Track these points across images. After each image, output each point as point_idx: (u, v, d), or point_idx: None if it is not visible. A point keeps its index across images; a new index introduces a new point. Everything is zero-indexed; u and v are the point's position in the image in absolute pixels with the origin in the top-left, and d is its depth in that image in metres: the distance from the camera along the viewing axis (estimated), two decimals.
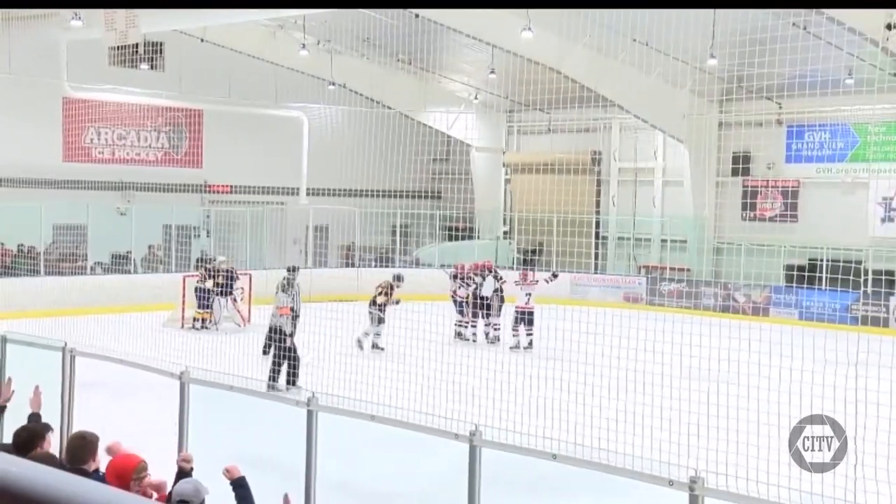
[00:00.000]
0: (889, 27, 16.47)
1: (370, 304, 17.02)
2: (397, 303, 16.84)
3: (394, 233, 27.58)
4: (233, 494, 5.42)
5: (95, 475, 5.00)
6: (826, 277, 22.25)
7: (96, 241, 22.87)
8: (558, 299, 21.95)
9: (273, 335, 14.18)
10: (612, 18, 21.06)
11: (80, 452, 5.09)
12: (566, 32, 21.61)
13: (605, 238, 28.12)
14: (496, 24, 21.76)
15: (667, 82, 24.31)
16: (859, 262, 20.52)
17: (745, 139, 25.00)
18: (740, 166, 24.73)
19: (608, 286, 25.30)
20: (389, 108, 27.40)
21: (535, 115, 29.67)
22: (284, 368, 13.21)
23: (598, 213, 28.32)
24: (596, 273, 26.05)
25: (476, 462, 5.39)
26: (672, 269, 25.80)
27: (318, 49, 25.85)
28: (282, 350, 13.41)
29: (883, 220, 23.56)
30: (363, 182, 25.50)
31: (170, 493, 5.10)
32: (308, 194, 27.35)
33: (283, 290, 14.38)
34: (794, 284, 22.85)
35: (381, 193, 27.15)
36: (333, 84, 26.69)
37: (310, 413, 6.23)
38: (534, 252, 27.32)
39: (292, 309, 14.03)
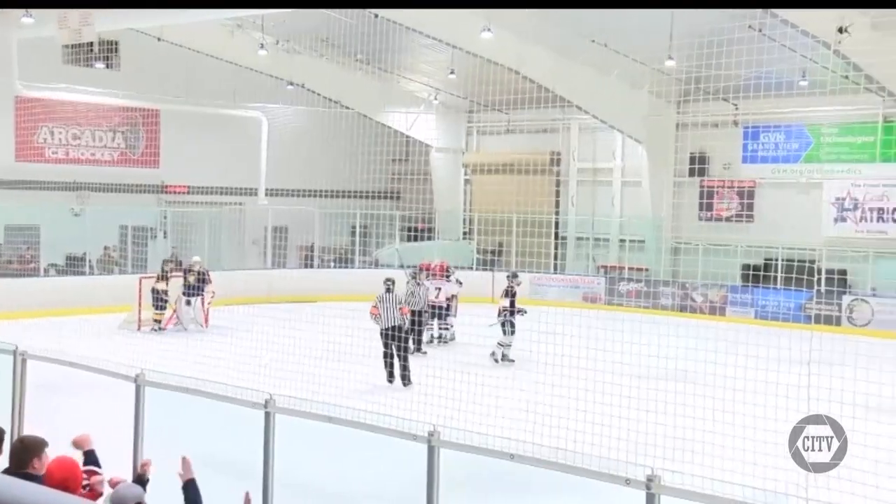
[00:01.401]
0: (840, 30, 16.76)
1: (499, 313, 16.45)
2: (522, 312, 16.14)
3: (353, 233, 27.48)
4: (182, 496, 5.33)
5: (40, 479, 4.94)
6: (781, 277, 22.58)
7: (50, 243, 22.50)
8: (517, 300, 22.02)
9: (396, 334, 14.35)
10: (572, 19, 21.16)
11: (22, 456, 5.05)
12: (526, 33, 21.68)
13: (564, 238, 28.27)
14: (456, 25, 21.77)
15: (625, 83, 24.52)
16: (813, 262, 20.86)
17: (702, 140, 25.29)
18: (697, 167, 25.00)
19: (567, 286, 25.42)
20: (348, 108, 27.31)
21: (495, 116, 29.77)
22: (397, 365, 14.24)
23: (557, 213, 28.46)
24: (555, 273, 26.17)
25: (434, 462, 5.38)
26: (630, 268, 26.02)
27: (276, 49, 25.69)
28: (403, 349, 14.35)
29: (836, 221, 23.96)
30: (322, 182, 25.39)
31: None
32: (267, 195, 27.15)
33: (389, 291, 14.84)
34: (750, 284, 23.15)
35: (340, 194, 27.06)
36: (292, 84, 26.54)
37: (267, 415, 6.18)
38: (493, 252, 27.41)
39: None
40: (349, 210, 27.37)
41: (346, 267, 26.68)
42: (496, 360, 15.94)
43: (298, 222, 26.91)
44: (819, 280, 21.04)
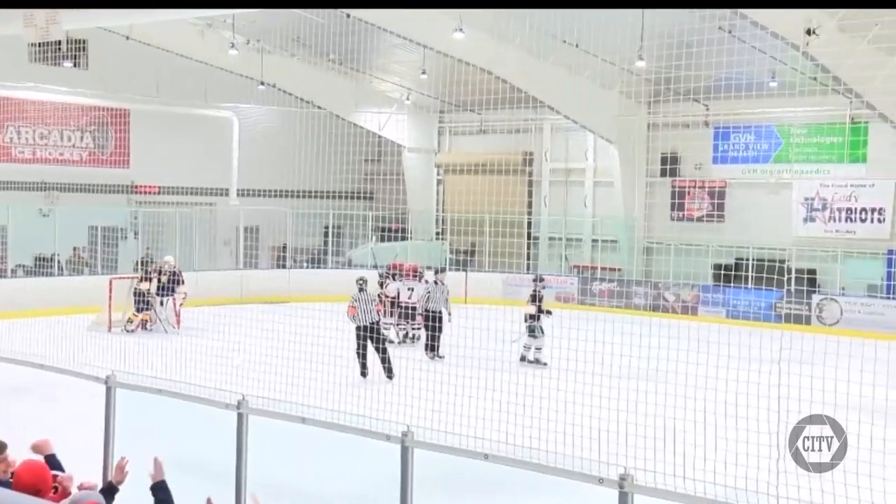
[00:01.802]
0: (809, 32, 16.92)
1: (525, 318, 16.28)
2: (548, 312, 16.06)
3: (326, 234, 27.39)
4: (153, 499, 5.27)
5: (4, 483, 4.90)
6: (752, 276, 22.78)
7: (18, 244, 22.23)
8: (491, 300, 22.10)
9: (373, 335, 14.74)
10: (543, 20, 21.21)
11: None
12: (498, 33, 21.71)
13: (536, 238, 28.35)
14: (427, 25, 21.76)
15: (597, 84, 24.60)
16: (783, 262, 21.07)
17: (673, 140, 25.45)
18: (668, 167, 25.16)
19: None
20: (321, 108, 27.21)
21: (467, 116, 29.80)
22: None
23: (529, 213, 28.54)
24: (528, 273, 26.19)
25: (408, 463, 5.38)
26: (603, 268, 26.13)
27: (247, 48, 25.54)
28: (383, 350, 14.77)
29: (805, 220, 24.19)
30: (294, 183, 25.27)
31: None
32: (238, 195, 27.00)
33: (362, 290, 15.16)
34: (722, 283, 23.33)
35: (312, 194, 26.96)
36: (264, 84, 26.40)
37: (240, 416, 6.14)
38: (466, 253, 27.43)
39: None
40: (321, 210, 27.28)
41: (319, 267, 26.58)
42: (530, 361, 15.82)
43: (270, 223, 26.78)
44: (789, 279, 21.24)
